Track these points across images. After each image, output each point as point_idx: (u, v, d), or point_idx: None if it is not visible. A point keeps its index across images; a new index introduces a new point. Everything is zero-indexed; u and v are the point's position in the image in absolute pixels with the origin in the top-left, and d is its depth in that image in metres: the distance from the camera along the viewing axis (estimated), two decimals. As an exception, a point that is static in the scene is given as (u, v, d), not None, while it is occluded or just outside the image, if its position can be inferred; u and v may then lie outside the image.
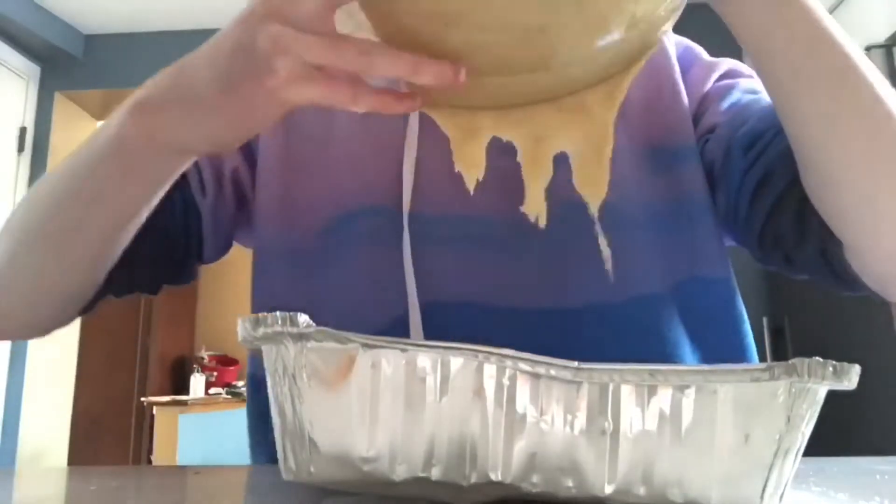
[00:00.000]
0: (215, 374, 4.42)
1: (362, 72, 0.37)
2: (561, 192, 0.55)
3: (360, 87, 0.37)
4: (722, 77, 0.62)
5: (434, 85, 0.37)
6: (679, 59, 0.63)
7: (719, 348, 0.57)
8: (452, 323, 0.52)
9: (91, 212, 0.48)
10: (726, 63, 0.63)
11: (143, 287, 0.59)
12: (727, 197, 0.56)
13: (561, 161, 0.56)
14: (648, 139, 0.59)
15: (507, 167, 0.55)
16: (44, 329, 0.56)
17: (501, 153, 0.55)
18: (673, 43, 0.65)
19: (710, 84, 0.61)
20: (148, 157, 0.44)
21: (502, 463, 0.30)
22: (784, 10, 0.40)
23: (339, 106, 0.38)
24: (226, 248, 0.61)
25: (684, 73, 0.62)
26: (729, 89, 0.60)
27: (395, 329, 0.52)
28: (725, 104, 0.58)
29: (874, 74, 0.41)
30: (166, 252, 0.58)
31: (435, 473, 0.30)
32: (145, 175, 0.46)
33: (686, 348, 0.56)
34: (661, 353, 0.54)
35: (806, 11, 0.40)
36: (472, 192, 0.42)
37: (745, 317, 0.59)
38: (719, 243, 0.59)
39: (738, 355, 0.58)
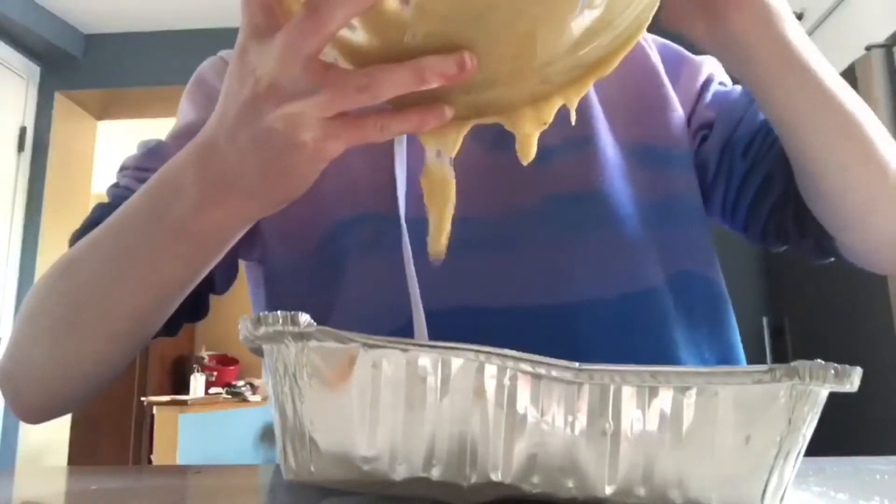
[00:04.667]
0: (215, 374, 4.43)
1: (372, 103, 0.36)
2: (551, 188, 0.55)
3: (384, 116, 0.37)
4: (709, 76, 0.66)
5: (444, 83, 0.35)
6: (662, 59, 0.64)
7: (709, 348, 0.57)
8: (452, 329, 0.52)
9: (154, 299, 0.48)
10: (709, 62, 0.67)
11: (162, 333, 0.57)
12: (727, 194, 0.61)
13: (553, 156, 0.56)
14: (634, 138, 0.60)
15: (497, 164, 0.54)
16: (71, 408, 0.54)
17: (492, 149, 0.55)
18: (653, 47, 0.65)
19: (699, 83, 0.65)
20: (218, 243, 0.46)
21: (503, 463, 0.30)
22: (809, 90, 0.48)
23: (372, 141, 0.38)
24: (235, 276, 0.60)
25: (672, 73, 0.64)
26: (710, 82, 0.65)
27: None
28: (711, 97, 0.64)
29: (865, 113, 0.51)
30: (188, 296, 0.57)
31: (435, 473, 0.30)
32: (212, 254, 0.47)
33: (681, 345, 0.56)
34: (656, 349, 0.54)
35: (820, 85, 0.48)
36: (428, 161, 0.41)
37: (736, 328, 0.60)
38: (708, 244, 0.61)
39: (727, 358, 0.58)
